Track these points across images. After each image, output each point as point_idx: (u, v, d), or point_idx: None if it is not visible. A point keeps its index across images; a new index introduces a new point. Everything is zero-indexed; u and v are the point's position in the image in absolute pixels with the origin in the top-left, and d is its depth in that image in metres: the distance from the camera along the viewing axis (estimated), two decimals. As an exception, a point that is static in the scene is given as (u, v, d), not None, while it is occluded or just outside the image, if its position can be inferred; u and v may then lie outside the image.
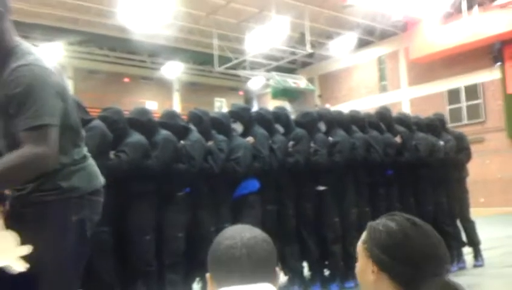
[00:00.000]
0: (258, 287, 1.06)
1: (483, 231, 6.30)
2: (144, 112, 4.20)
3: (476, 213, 6.67)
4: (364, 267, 1.29)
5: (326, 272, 5.20)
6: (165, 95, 23.07)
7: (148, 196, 3.93)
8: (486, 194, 16.33)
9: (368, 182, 5.35)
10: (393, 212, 1.35)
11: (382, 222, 1.29)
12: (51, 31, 17.78)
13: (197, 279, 4.49)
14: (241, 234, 1.14)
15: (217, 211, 4.32)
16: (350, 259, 5.12)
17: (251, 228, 1.17)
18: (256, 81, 22.04)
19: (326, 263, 5.16)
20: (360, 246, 1.32)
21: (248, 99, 25.16)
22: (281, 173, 4.73)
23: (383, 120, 5.62)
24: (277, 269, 1.17)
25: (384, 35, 20.51)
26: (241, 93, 25.33)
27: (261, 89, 23.76)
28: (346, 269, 5.10)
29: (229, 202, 4.42)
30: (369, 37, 20.69)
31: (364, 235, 1.32)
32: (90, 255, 3.59)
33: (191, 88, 23.93)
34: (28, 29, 16.04)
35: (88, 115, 3.86)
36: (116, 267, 3.79)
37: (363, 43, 20.77)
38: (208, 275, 1.15)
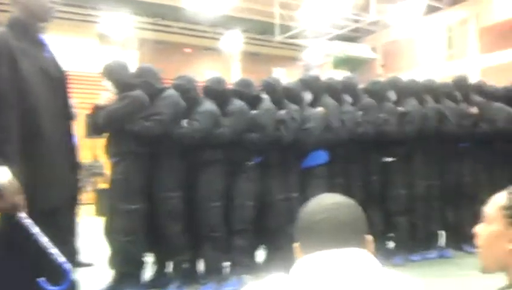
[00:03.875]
0: (347, 251, 1.04)
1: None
2: (219, 81, 4.23)
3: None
4: (500, 234, 1.23)
5: (391, 245, 5.15)
6: (225, 65, 23.15)
7: (218, 164, 4.00)
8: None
9: (438, 154, 5.19)
10: None
11: None
12: (118, 2, 18.18)
13: (262, 246, 4.57)
14: (322, 200, 1.13)
15: (285, 181, 4.34)
16: (416, 232, 5.04)
17: (336, 196, 1.15)
18: (317, 51, 21.65)
19: (391, 235, 5.11)
20: (496, 211, 1.25)
21: (307, 70, 24.82)
22: (350, 144, 4.68)
23: (460, 89, 5.37)
24: (368, 237, 1.14)
25: (453, 1, 19.46)
26: (301, 63, 25.01)
27: (321, 59, 23.35)
28: (411, 242, 5.03)
29: (297, 172, 4.43)
30: (437, 3, 19.70)
31: (503, 199, 1.24)
32: (161, 219, 3.79)
33: (250, 58, 23.88)
34: None
35: (162, 84, 3.97)
36: (185, 232, 3.91)
37: (430, 10, 19.82)
38: (295, 245, 1.14)
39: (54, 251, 2.24)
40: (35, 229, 2.21)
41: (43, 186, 2.35)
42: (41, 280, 2.18)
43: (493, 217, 1.25)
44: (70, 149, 2.58)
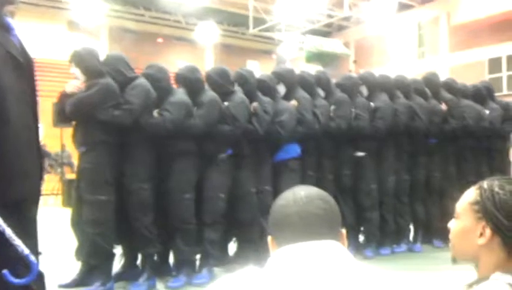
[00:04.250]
0: (320, 244, 1.02)
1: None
2: (194, 69, 4.14)
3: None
4: (470, 229, 1.24)
5: (361, 238, 5.21)
6: (198, 56, 22.98)
7: (189, 155, 3.94)
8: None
9: (408, 150, 5.27)
10: (506, 176, 1.30)
11: (497, 184, 1.23)
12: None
13: (234, 239, 4.55)
14: (295, 193, 1.11)
15: (257, 174, 4.32)
16: (386, 226, 5.12)
17: (309, 188, 1.13)
18: (290, 45, 21.70)
19: (362, 229, 5.17)
20: (465, 206, 1.26)
21: (280, 63, 24.85)
22: (322, 138, 4.69)
23: (430, 86, 5.45)
24: (342, 230, 1.13)
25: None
26: (274, 56, 25.05)
27: (295, 53, 23.43)
28: (382, 235, 5.10)
29: (270, 165, 4.41)
30: (409, 1, 19.99)
31: (472, 195, 1.26)
32: (131, 210, 3.72)
33: (224, 50, 23.76)
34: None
35: (132, 73, 3.87)
36: (156, 224, 3.85)
37: (402, 7, 20.10)
38: (269, 238, 1.12)
39: (18, 243, 2.18)
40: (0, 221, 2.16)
41: (10, 176, 2.28)
42: (6, 272, 2.12)
43: (463, 213, 1.27)
44: (36, 138, 2.51)
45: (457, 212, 1.29)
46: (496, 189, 1.21)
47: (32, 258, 2.20)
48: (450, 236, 1.31)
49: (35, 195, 2.54)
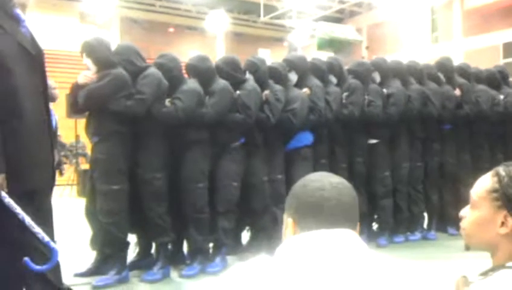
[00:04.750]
0: (343, 232, 1.02)
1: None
2: (204, 59, 4.13)
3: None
4: (488, 218, 1.18)
5: (375, 226, 5.19)
6: (209, 45, 22.93)
7: (202, 144, 3.94)
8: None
9: (422, 136, 5.21)
10: None
11: None
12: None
13: (247, 227, 4.57)
14: (327, 178, 1.09)
15: (270, 162, 4.31)
16: (400, 214, 5.08)
17: (335, 175, 1.12)
18: (302, 32, 21.52)
19: (375, 216, 5.14)
20: (482, 194, 1.20)
21: (292, 51, 24.70)
22: (335, 125, 4.66)
23: (443, 71, 5.37)
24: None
25: (438, -17, 19.46)
26: (286, 44, 24.91)
27: (306, 40, 23.26)
28: (395, 223, 5.08)
29: (282, 154, 4.40)
30: (422, -15, 19.69)
31: (488, 182, 1.19)
32: (145, 200, 3.75)
33: (235, 38, 23.67)
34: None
35: (144, 63, 3.87)
36: (170, 213, 3.87)
37: (415, -8, 19.80)
38: (289, 220, 1.08)
39: (38, 230, 2.22)
40: (18, 209, 2.19)
41: (25, 166, 2.31)
42: (27, 260, 2.16)
43: (480, 201, 1.21)
44: (49, 128, 2.54)
45: (474, 200, 1.23)
46: None
47: (53, 245, 2.24)
48: (464, 224, 1.26)
49: (47, 186, 2.57)
